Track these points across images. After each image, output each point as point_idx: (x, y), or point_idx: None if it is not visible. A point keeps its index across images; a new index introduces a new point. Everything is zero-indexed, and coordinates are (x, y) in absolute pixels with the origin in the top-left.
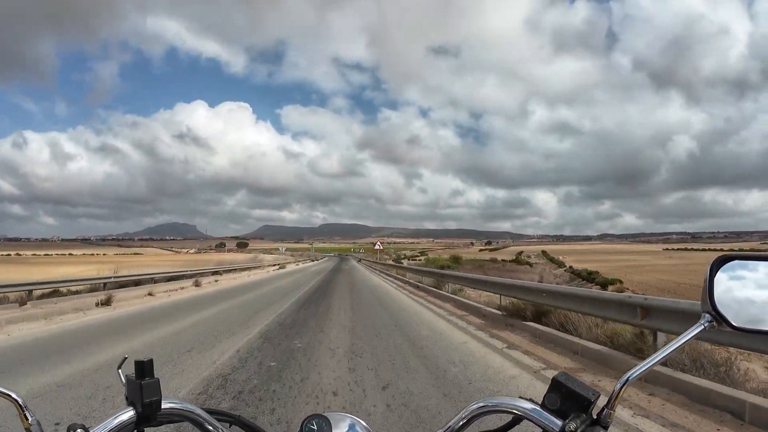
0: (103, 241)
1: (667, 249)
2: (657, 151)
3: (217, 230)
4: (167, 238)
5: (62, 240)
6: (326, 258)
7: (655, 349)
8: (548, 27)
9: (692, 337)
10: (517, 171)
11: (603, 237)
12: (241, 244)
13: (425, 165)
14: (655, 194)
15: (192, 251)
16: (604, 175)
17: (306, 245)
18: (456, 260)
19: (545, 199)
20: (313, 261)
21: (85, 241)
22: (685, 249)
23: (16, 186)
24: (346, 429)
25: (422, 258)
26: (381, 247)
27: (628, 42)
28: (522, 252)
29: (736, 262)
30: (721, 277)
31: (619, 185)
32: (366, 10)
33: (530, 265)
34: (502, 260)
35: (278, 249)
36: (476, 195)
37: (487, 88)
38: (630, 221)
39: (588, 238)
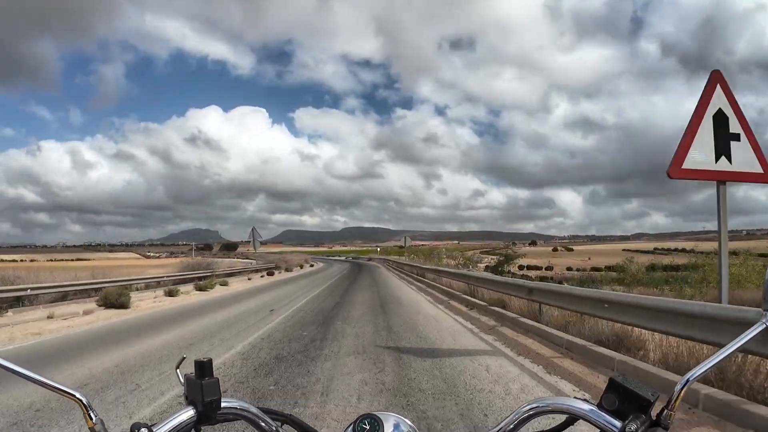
0: (113, 247)
1: None
2: None
3: (238, 236)
4: (179, 243)
5: (65, 246)
6: (316, 271)
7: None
8: (569, 12)
9: (753, 336)
10: (540, 169)
11: (638, 237)
12: (229, 247)
13: (444, 164)
14: (684, 191)
15: (164, 255)
16: (631, 172)
17: (325, 249)
18: None
19: (569, 199)
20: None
21: (89, 247)
22: None
23: (39, 194)
24: (392, 429)
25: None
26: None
27: (657, 25)
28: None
29: None
30: None
31: (647, 182)
32: (372, 0)
33: None
34: None
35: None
36: (497, 195)
37: (505, 82)
38: (658, 220)
39: (625, 238)
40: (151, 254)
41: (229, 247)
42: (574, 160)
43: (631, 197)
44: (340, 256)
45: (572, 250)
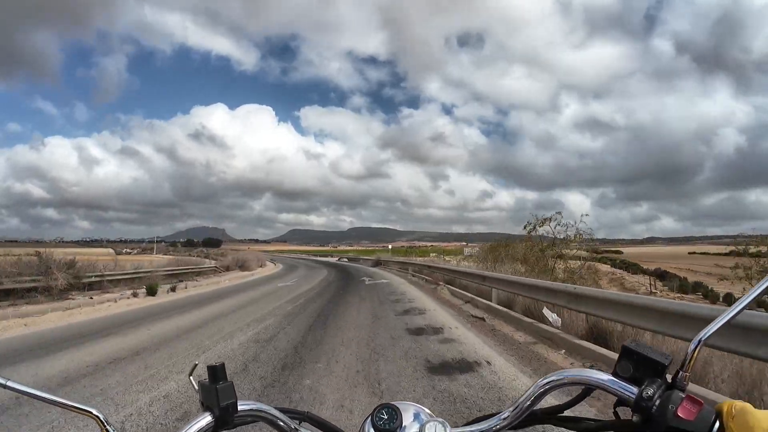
0: (111, 243)
1: None
2: (701, 147)
3: (245, 234)
4: (181, 240)
5: (62, 241)
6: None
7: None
8: (580, 8)
9: (762, 291)
10: (549, 171)
11: (651, 240)
12: (211, 243)
13: (451, 165)
14: (695, 195)
15: (135, 252)
16: (641, 175)
17: (330, 249)
18: None
19: (578, 201)
20: None
21: (82, 243)
22: None
23: (47, 190)
24: (412, 418)
25: None
26: None
27: (671, 22)
28: None
29: None
30: None
31: (657, 185)
32: None
33: None
34: None
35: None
36: (505, 197)
37: (513, 80)
38: (667, 224)
39: (637, 242)
40: (125, 250)
41: (212, 243)
42: (583, 161)
43: (641, 200)
44: (332, 257)
45: (621, 252)
